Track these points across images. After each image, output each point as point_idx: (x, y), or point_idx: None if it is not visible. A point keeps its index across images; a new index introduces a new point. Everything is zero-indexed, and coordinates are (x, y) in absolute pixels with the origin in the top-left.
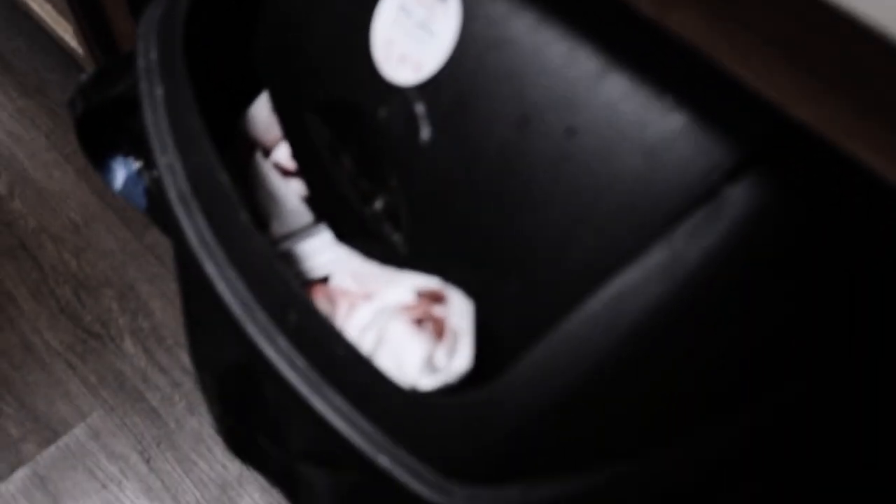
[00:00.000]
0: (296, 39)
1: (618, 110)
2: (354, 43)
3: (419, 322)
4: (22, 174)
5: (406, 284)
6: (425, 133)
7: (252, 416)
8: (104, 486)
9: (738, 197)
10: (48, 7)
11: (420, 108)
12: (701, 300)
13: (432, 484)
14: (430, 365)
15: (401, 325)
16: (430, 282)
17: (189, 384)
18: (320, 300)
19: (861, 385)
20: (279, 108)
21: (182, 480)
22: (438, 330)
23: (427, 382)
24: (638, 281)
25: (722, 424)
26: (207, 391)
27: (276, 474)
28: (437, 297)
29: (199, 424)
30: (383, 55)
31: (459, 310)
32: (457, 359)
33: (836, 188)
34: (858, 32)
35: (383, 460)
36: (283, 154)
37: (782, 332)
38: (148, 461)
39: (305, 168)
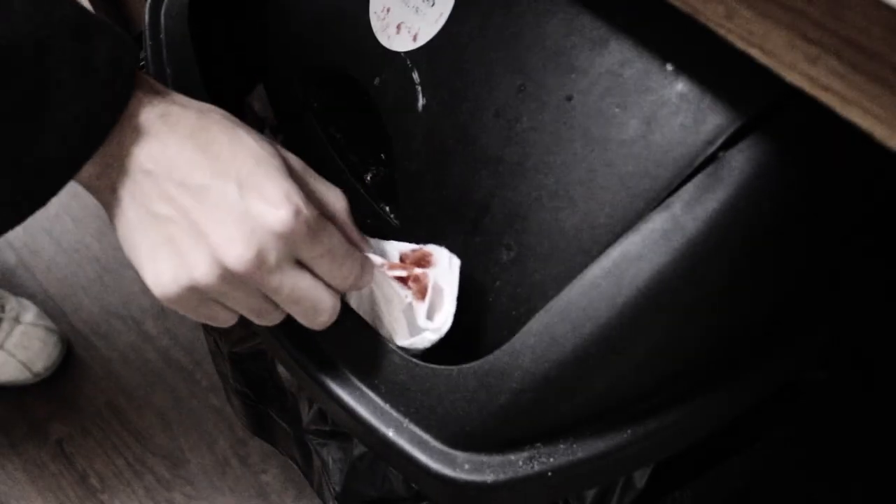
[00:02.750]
0: (294, 9)
1: (617, 77)
2: (351, 11)
3: (403, 281)
4: None
5: (393, 247)
6: (421, 100)
7: (264, 393)
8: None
9: (737, 162)
10: None
11: (416, 76)
12: (701, 266)
13: (438, 453)
14: (412, 322)
15: (383, 280)
16: (417, 246)
17: (209, 362)
18: None
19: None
20: (273, 82)
21: (205, 456)
22: (422, 290)
23: (408, 341)
24: (638, 248)
25: (727, 387)
26: (221, 369)
27: (289, 448)
28: (423, 261)
29: (219, 402)
30: (380, 24)
31: (445, 268)
32: (439, 316)
33: (835, 150)
34: None
35: (389, 433)
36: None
37: (783, 296)
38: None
39: (294, 140)
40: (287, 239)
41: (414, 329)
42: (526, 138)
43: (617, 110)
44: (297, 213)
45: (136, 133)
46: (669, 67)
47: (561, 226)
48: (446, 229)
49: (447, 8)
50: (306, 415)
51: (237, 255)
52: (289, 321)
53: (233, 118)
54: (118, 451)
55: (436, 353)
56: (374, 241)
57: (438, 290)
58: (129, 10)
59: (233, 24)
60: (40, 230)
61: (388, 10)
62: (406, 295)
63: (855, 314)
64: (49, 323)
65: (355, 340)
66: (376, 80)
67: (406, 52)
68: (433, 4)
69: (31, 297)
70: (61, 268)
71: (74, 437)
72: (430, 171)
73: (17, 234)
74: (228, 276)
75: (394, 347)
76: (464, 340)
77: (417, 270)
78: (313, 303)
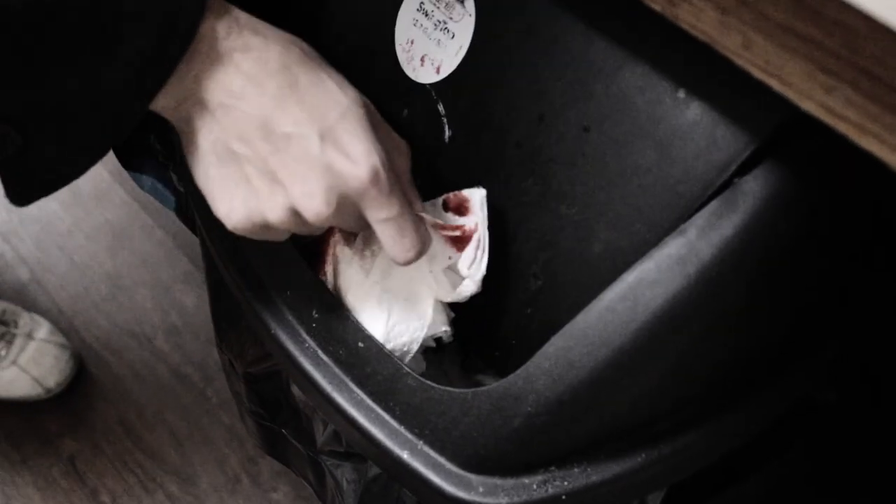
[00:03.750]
0: (323, 36)
1: (631, 105)
2: (378, 42)
3: (454, 240)
4: None
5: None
6: (447, 132)
7: (278, 413)
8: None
9: (751, 188)
10: None
11: (441, 108)
12: (716, 291)
13: (452, 476)
14: (452, 278)
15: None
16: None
17: (220, 379)
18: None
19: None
20: None
21: (216, 474)
22: (465, 242)
23: (451, 296)
24: (654, 273)
25: (740, 409)
26: (235, 388)
27: (302, 469)
28: (462, 207)
29: (230, 419)
30: (405, 55)
31: (478, 211)
32: (475, 266)
33: (846, 171)
34: (870, 27)
35: (404, 455)
36: None
37: (796, 316)
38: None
39: None
40: (362, 196)
41: (455, 282)
42: (547, 169)
43: (631, 139)
44: (376, 173)
45: (213, 65)
46: (682, 94)
47: (585, 255)
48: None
49: (466, 40)
50: (320, 435)
51: (314, 209)
52: (306, 342)
53: (315, 55)
54: (129, 467)
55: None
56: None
57: (477, 240)
58: None
59: None
60: (53, 246)
61: (412, 43)
62: (450, 254)
63: (863, 329)
64: (62, 339)
65: (371, 362)
66: (405, 112)
67: (431, 85)
68: (453, 37)
69: (44, 312)
70: (74, 284)
71: (86, 454)
72: None
73: (30, 249)
74: (301, 221)
75: (408, 370)
76: (500, 367)
77: (467, 226)
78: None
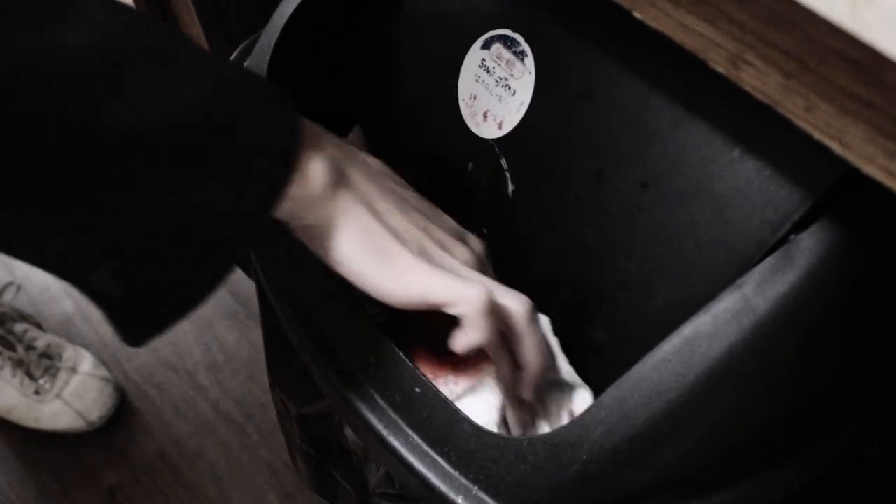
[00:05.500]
0: (388, 89)
1: (687, 162)
2: (443, 97)
3: None
4: None
5: None
6: (511, 186)
7: (329, 454)
8: None
9: (807, 245)
10: None
11: (504, 163)
12: (770, 345)
13: None
14: (560, 401)
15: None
16: None
17: (260, 415)
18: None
19: None
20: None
21: None
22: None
23: (579, 410)
24: (710, 326)
25: (789, 461)
26: (287, 428)
27: None
28: None
29: (270, 456)
30: (468, 111)
31: (549, 332)
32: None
33: None
34: None
35: (459, 500)
36: None
37: (848, 371)
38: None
39: None
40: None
41: (567, 400)
42: (606, 224)
43: (688, 196)
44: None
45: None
46: (737, 152)
47: (645, 308)
48: (540, 310)
49: (527, 97)
50: (372, 478)
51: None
52: (362, 386)
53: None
54: (169, 501)
55: None
56: None
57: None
58: (173, 9)
59: (314, 80)
60: None
61: (475, 98)
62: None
63: None
64: (105, 373)
65: (426, 407)
66: (469, 166)
67: (493, 140)
68: (514, 93)
69: (88, 345)
70: None
71: (126, 487)
72: (520, 254)
73: None
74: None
75: (464, 415)
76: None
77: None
78: None
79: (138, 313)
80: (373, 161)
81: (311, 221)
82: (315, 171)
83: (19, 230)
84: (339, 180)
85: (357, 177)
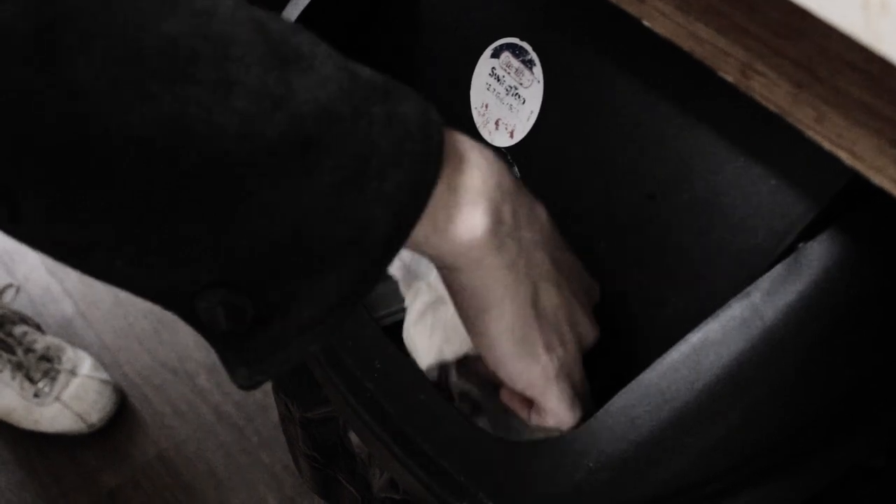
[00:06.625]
0: None
1: (695, 172)
2: (456, 104)
3: None
4: None
5: None
6: None
7: (333, 458)
8: None
9: (816, 253)
10: None
11: (517, 171)
12: (779, 353)
13: None
14: None
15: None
16: None
17: (260, 418)
18: None
19: None
20: None
21: None
22: None
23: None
24: (718, 334)
25: (796, 471)
26: (290, 432)
27: None
28: None
29: (270, 459)
30: (481, 119)
31: None
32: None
33: None
34: None
35: None
36: None
37: (855, 380)
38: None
39: None
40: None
41: None
42: (616, 234)
43: (695, 206)
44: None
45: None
46: (743, 161)
47: (656, 318)
48: None
49: (536, 106)
50: (377, 482)
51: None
52: (368, 391)
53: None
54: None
55: None
56: None
57: None
58: None
59: None
60: (98, 281)
61: (487, 107)
62: None
63: None
64: (104, 375)
65: (430, 413)
66: None
67: (506, 148)
68: (524, 102)
69: (88, 346)
70: (118, 319)
71: (125, 489)
72: None
73: (75, 284)
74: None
75: (469, 422)
76: None
77: None
78: None
79: (247, 346)
80: (541, 211)
81: (465, 282)
82: (474, 216)
83: (121, 254)
84: (504, 232)
85: (528, 240)
